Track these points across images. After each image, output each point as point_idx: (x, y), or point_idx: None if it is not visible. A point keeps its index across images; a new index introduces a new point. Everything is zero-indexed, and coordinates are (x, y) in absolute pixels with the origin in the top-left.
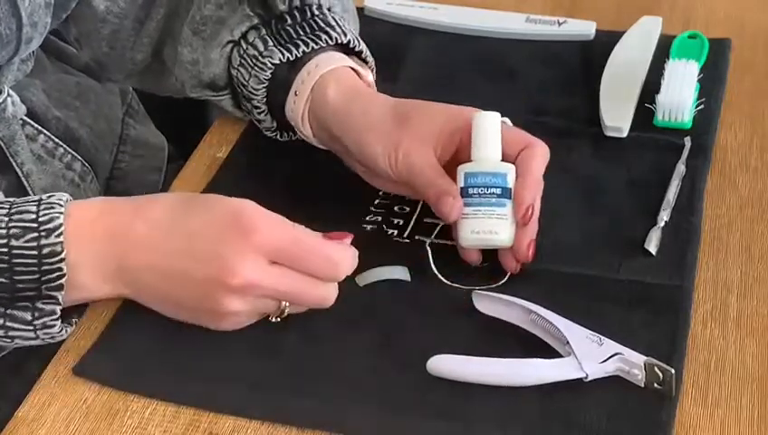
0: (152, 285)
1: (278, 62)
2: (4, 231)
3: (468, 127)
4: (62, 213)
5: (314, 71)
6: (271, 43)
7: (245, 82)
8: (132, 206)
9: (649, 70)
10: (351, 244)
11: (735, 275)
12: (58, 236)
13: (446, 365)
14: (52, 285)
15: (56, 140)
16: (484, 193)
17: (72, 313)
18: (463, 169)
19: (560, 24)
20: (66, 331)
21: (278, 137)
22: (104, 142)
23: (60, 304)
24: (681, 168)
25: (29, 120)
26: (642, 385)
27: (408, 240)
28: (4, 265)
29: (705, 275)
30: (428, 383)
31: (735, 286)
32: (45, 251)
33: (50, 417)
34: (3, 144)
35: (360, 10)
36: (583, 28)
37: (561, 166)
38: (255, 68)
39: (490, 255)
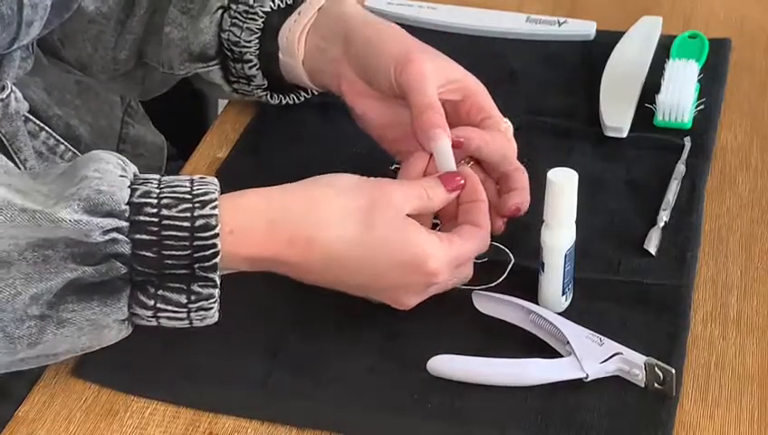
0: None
1: (269, 9)
2: (155, 200)
3: (471, 96)
4: (216, 189)
5: None
6: None
7: (238, 38)
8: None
9: (649, 70)
10: None
11: (735, 275)
12: (213, 208)
13: (446, 365)
14: (207, 264)
15: (57, 137)
16: None
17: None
18: None
19: (560, 24)
20: (218, 315)
21: (268, 99)
22: (105, 141)
23: (217, 287)
24: (681, 168)
25: (31, 117)
26: (642, 385)
27: None
28: (154, 238)
29: (705, 275)
30: (428, 383)
31: (735, 286)
32: (198, 223)
33: (50, 417)
34: (6, 140)
35: None
36: (583, 28)
37: (561, 166)
38: (248, 21)
39: (489, 252)
